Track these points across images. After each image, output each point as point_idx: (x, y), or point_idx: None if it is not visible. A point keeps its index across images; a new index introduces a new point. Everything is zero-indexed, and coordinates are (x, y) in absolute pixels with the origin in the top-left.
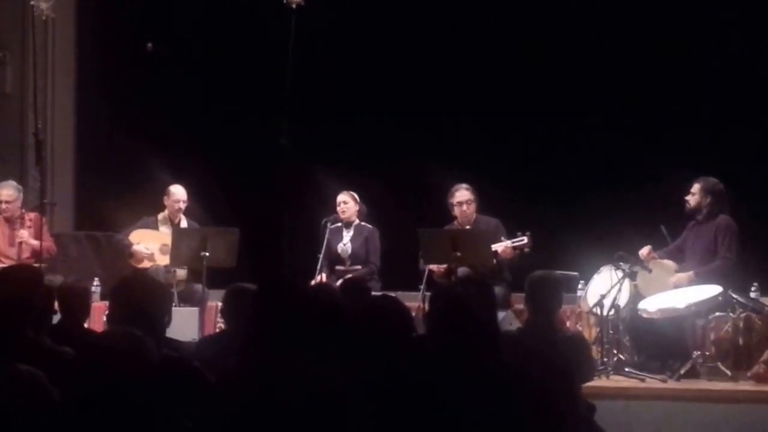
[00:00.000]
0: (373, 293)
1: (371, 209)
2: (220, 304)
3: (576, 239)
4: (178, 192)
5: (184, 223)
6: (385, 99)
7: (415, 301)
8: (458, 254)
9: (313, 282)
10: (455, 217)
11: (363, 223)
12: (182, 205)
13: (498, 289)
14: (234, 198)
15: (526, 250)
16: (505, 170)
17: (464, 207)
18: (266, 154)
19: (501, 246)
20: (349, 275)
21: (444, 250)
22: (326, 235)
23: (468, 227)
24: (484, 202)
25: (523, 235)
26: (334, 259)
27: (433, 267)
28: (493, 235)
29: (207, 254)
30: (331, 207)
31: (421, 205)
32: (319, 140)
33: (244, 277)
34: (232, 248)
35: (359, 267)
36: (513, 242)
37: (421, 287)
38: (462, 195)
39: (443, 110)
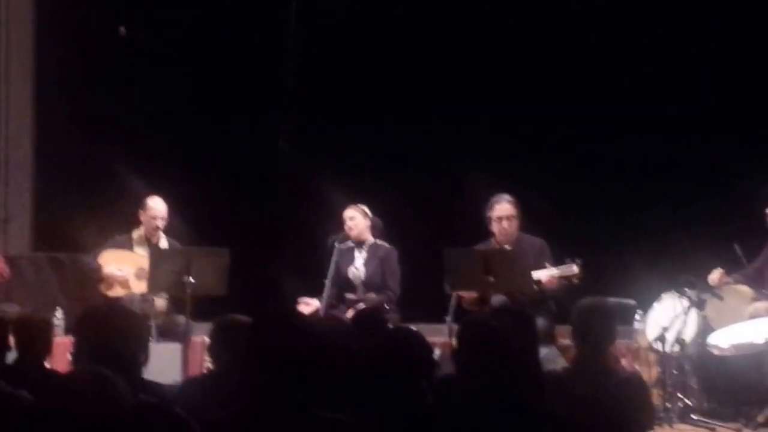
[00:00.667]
0: (389, 326)
1: (388, 224)
2: (207, 339)
3: (632, 260)
4: (156, 206)
5: (163, 243)
6: (403, 93)
7: (440, 336)
8: (491, 279)
9: (319, 313)
10: (493, 234)
11: (378, 242)
12: (161, 222)
13: (540, 321)
14: (224, 213)
15: (575, 281)
16: (548, 180)
17: (504, 223)
18: (262, 159)
19: (545, 274)
20: (362, 305)
21: (475, 274)
22: (334, 257)
23: (507, 247)
24: (526, 217)
25: (573, 262)
26: (343, 285)
27: (463, 294)
28: (536, 258)
29: (191, 280)
30: (340, 222)
31: (448, 220)
32: (325, 143)
33: (236, 308)
34: (221, 273)
35: (374, 295)
36: (560, 271)
37: (448, 318)
38: (503, 209)
39: (475, 106)
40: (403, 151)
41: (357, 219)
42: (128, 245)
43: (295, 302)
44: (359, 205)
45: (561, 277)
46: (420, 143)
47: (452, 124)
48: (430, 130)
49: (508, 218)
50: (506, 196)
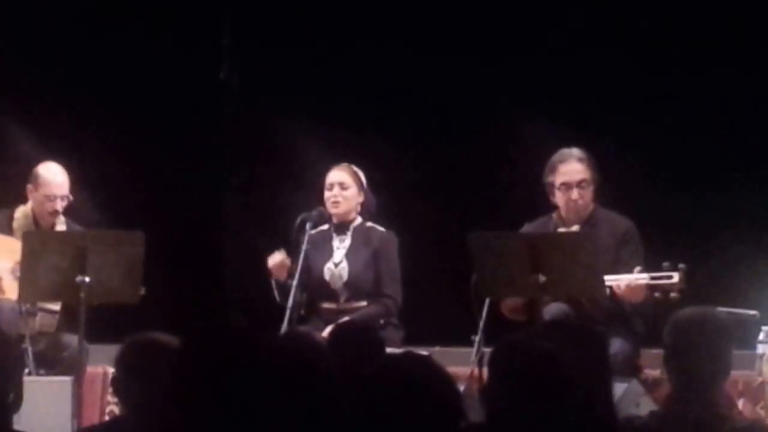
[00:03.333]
0: (389, 350)
1: (385, 198)
2: (110, 369)
3: (755, 255)
4: (52, 178)
5: (60, 228)
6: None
7: (464, 365)
8: (542, 278)
9: (281, 330)
10: (554, 208)
11: (370, 225)
12: (59, 203)
13: (617, 344)
14: (146, 183)
15: (673, 294)
16: (636, 134)
17: (574, 192)
18: (196, 100)
19: (627, 281)
20: (346, 317)
21: (518, 271)
22: (303, 246)
23: (574, 228)
24: (607, 185)
25: (673, 268)
26: (317, 288)
27: (509, 302)
28: (617, 248)
29: (87, 280)
30: (314, 196)
31: (477, 191)
32: (289, 73)
33: (155, 322)
34: (133, 269)
35: (363, 303)
36: (652, 279)
37: (476, 339)
38: (572, 170)
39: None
40: (409, 85)
41: (348, 187)
42: (6, 228)
43: (246, 314)
44: (352, 166)
45: (652, 287)
46: (436, 73)
47: (486, 45)
48: (451, 53)
49: (579, 184)
50: (576, 152)
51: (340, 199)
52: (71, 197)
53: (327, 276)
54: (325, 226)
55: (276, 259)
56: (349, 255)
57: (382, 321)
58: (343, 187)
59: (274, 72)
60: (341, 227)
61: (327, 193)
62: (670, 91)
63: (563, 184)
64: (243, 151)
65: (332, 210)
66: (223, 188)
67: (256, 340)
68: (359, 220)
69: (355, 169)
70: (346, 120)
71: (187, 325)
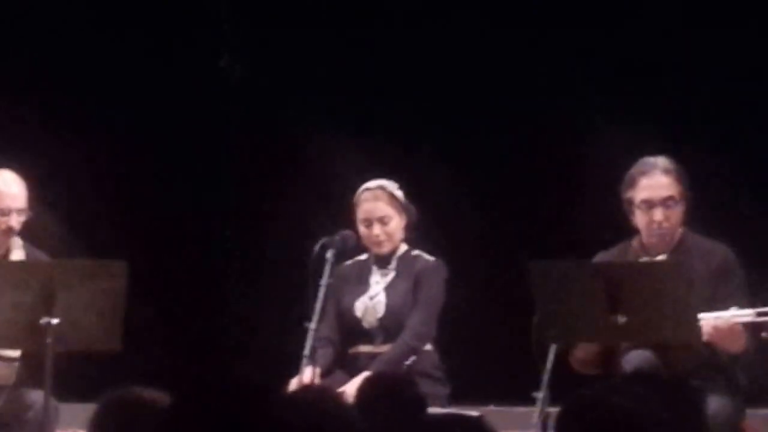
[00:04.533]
0: (431, 410)
1: (427, 220)
2: None
3: None
4: (4, 186)
5: (18, 255)
6: None
7: (525, 429)
8: (622, 320)
9: (294, 384)
10: (634, 232)
11: (417, 253)
12: (14, 218)
13: (717, 402)
14: (129, 200)
15: None
16: (739, 149)
17: (658, 212)
18: (192, 98)
19: (723, 321)
20: (377, 367)
21: (590, 310)
22: (325, 280)
23: (660, 257)
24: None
25: None
26: (347, 328)
27: (580, 350)
28: (713, 283)
29: (55, 321)
30: (340, 218)
31: (535, 211)
32: (301, 63)
33: (140, 376)
34: (113, 308)
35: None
36: (759, 315)
37: (539, 397)
38: (657, 184)
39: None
40: (451, 77)
41: (390, 219)
42: None
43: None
44: (385, 186)
45: (757, 327)
46: (484, 63)
47: (548, 31)
48: (505, 38)
49: (664, 202)
50: (662, 162)
51: (383, 238)
52: (30, 213)
53: (359, 312)
54: (363, 256)
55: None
56: (390, 287)
57: (408, 362)
58: (384, 222)
59: (285, 62)
60: (383, 258)
61: (364, 231)
62: None
63: (644, 201)
64: (248, 160)
65: (376, 250)
66: (224, 205)
67: (264, 398)
68: (404, 247)
69: (390, 188)
70: (375, 122)
71: (180, 378)
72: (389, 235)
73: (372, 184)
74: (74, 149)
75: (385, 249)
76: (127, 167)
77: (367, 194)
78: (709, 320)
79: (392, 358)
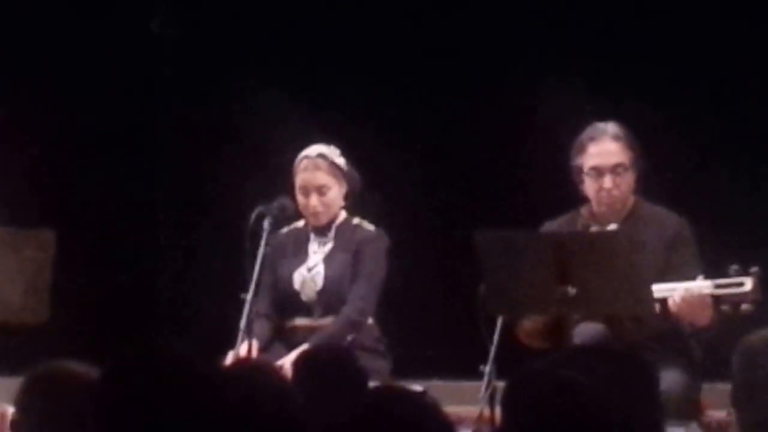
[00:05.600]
0: (373, 384)
1: (366, 193)
2: (10, 410)
3: None
4: None
5: None
6: None
7: (471, 403)
8: (572, 290)
9: (230, 358)
10: (584, 201)
11: (357, 222)
12: None
13: (670, 377)
14: (54, 167)
15: (745, 306)
16: (692, 113)
17: (607, 180)
18: (122, 58)
19: (683, 291)
20: (317, 341)
21: (538, 280)
22: (262, 249)
23: (611, 226)
24: (651, 170)
25: (743, 273)
26: (284, 300)
27: (528, 323)
28: (665, 252)
29: None
30: (275, 184)
31: (480, 180)
32: (242, 24)
33: (68, 348)
34: (39, 279)
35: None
36: (717, 287)
37: (486, 369)
38: (606, 150)
39: None
40: (400, 44)
41: (329, 188)
42: None
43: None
44: (324, 153)
45: (717, 298)
46: (431, 30)
47: None
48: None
49: (613, 169)
50: (612, 128)
51: (320, 209)
52: None
53: (297, 284)
54: (300, 223)
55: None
56: (328, 258)
57: (349, 338)
58: (322, 192)
59: (223, 23)
60: (321, 227)
61: (301, 200)
62: (741, 45)
63: (593, 168)
64: (182, 126)
65: (313, 222)
66: (157, 173)
67: (197, 371)
68: (343, 215)
69: (331, 156)
70: (318, 87)
71: (109, 351)
72: (327, 206)
73: (311, 151)
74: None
75: (322, 220)
76: (55, 133)
77: (306, 162)
78: (676, 290)
79: (333, 333)
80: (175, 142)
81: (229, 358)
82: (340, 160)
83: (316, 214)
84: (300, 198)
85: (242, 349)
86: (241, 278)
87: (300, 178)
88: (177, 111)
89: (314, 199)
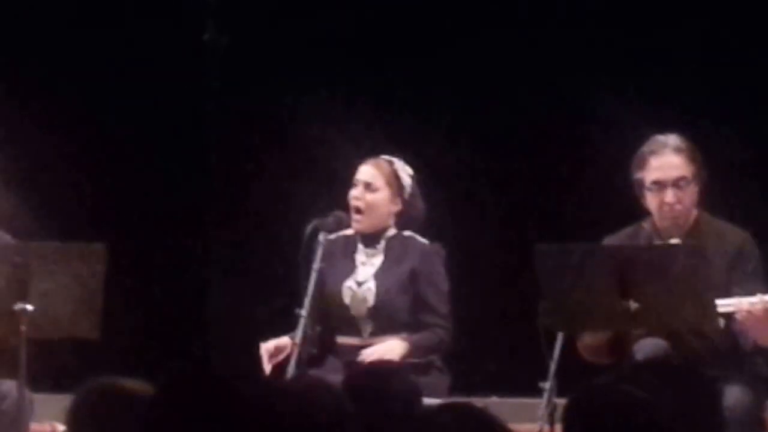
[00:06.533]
0: (429, 401)
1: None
2: (61, 428)
3: None
4: None
5: None
6: None
7: (530, 420)
8: (634, 305)
9: (265, 350)
10: (645, 214)
11: (409, 234)
12: None
13: (735, 393)
14: (104, 182)
15: None
16: (758, 128)
17: (670, 194)
18: (172, 72)
19: (748, 305)
20: (370, 354)
21: (600, 296)
22: (316, 264)
23: (673, 240)
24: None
25: None
26: (333, 315)
27: (589, 338)
28: (730, 268)
29: (29, 308)
30: (334, 198)
31: (541, 193)
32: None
33: (121, 365)
34: (91, 294)
35: (402, 335)
36: None
37: (545, 387)
38: (667, 162)
39: None
40: (457, 53)
41: (377, 188)
42: None
43: (250, 350)
44: (392, 160)
45: None
46: (490, 38)
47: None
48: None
49: (676, 183)
50: (673, 141)
51: (361, 204)
52: None
53: (347, 298)
54: (349, 231)
55: (270, 345)
56: (380, 274)
57: (424, 360)
58: (370, 188)
59: (272, 29)
60: (371, 236)
61: (353, 193)
62: None
63: (655, 182)
64: (233, 136)
65: (354, 225)
66: (211, 186)
67: (250, 389)
68: (393, 231)
69: (396, 165)
70: (376, 98)
71: (161, 368)
72: (368, 206)
73: (384, 156)
74: (42, 125)
75: (362, 224)
76: (106, 145)
77: (371, 160)
78: (741, 305)
79: (423, 346)
80: (226, 154)
81: (263, 350)
82: (405, 177)
83: (357, 210)
84: (352, 194)
85: (272, 343)
86: (293, 294)
87: (358, 170)
88: (228, 122)
89: (357, 191)
